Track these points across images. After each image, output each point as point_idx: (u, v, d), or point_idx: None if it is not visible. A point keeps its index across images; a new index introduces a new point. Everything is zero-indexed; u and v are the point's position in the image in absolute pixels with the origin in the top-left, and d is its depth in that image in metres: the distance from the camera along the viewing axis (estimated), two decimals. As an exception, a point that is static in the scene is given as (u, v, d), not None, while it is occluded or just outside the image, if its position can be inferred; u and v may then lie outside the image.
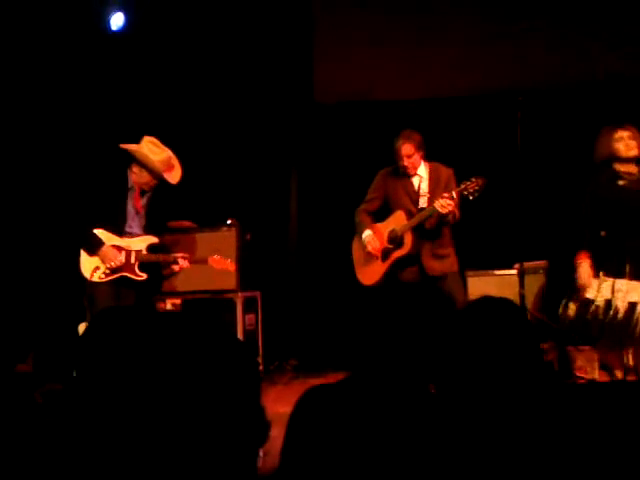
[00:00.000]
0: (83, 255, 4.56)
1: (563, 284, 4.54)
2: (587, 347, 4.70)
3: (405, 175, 4.71)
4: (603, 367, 4.53)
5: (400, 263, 4.69)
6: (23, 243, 5.59)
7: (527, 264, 4.99)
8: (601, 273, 4.03)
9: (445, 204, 4.34)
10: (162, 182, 4.68)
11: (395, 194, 4.76)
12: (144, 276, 4.67)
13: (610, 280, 4.02)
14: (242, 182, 6.33)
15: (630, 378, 4.17)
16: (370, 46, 6.20)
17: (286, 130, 6.47)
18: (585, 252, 4.06)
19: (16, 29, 5.53)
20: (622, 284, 3.99)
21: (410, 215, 4.67)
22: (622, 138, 4.05)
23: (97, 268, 4.55)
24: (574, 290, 4.11)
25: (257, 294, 5.94)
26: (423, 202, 4.66)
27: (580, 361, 4.67)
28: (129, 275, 4.63)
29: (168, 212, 5.01)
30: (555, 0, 5.91)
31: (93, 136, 5.68)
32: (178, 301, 5.53)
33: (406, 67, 6.14)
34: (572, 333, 4.24)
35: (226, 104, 6.35)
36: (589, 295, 4.04)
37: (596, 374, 4.61)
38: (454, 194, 4.36)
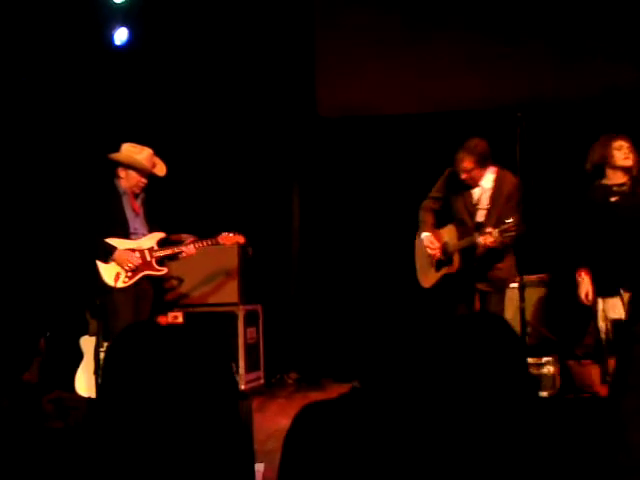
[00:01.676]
0: (101, 266, 4.57)
1: (565, 297, 4.56)
2: (589, 361, 4.69)
3: (466, 185, 4.46)
4: (606, 381, 4.51)
5: (454, 285, 4.55)
6: (28, 252, 5.61)
7: (528, 277, 4.99)
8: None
9: (486, 241, 4.23)
10: (151, 183, 4.74)
11: (454, 201, 4.54)
12: (165, 270, 4.76)
13: (601, 299, 4.10)
14: (244, 195, 6.36)
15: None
16: (373, 61, 6.23)
17: (289, 144, 6.50)
18: (585, 269, 4.14)
19: (19, 43, 5.57)
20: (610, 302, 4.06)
21: (462, 230, 4.49)
22: (622, 147, 4.12)
23: (118, 274, 4.56)
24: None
25: (258, 307, 5.94)
26: (480, 215, 4.45)
27: (582, 375, 4.67)
28: (150, 272, 4.67)
29: (165, 209, 5.04)
30: (553, 17, 5.94)
31: (94, 150, 5.71)
32: (180, 314, 5.53)
33: (408, 82, 6.16)
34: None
35: (229, 118, 6.38)
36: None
37: (599, 388, 4.59)
38: (495, 232, 4.19)
